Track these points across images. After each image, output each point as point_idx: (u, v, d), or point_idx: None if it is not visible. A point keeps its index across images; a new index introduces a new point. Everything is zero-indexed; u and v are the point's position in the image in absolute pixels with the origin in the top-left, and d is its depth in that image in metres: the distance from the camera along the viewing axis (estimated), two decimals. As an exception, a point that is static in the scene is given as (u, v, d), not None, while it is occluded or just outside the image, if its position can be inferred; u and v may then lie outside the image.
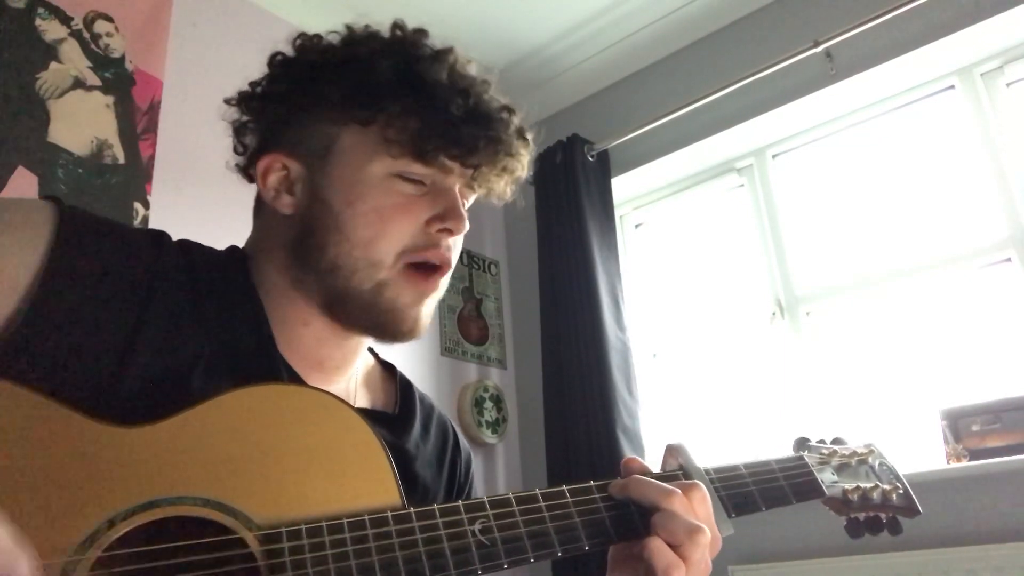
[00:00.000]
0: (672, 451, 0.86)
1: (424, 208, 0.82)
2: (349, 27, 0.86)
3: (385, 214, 0.80)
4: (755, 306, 2.79)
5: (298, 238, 0.82)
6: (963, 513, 2.06)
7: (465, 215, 0.83)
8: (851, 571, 2.13)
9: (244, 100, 0.88)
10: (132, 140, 2.18)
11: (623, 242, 3.09)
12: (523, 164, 0.88)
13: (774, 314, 2.72)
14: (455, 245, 0.85)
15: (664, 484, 0.75)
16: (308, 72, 0.84)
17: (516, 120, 0.86)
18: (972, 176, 2.44)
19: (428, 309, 0.85)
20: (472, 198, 0.89)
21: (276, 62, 0.87)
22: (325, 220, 0.80)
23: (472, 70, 0.85)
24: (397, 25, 0.86)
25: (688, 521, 0.72)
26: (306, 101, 0.83)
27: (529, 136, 0.88)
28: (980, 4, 2.32)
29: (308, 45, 0.86)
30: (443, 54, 0.83)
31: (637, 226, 3.27)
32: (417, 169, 0.81)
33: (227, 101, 0.89)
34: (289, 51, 0.87)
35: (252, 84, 0.88)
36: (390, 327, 0.82)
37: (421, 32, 0.86)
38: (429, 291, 0.83)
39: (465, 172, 0.84)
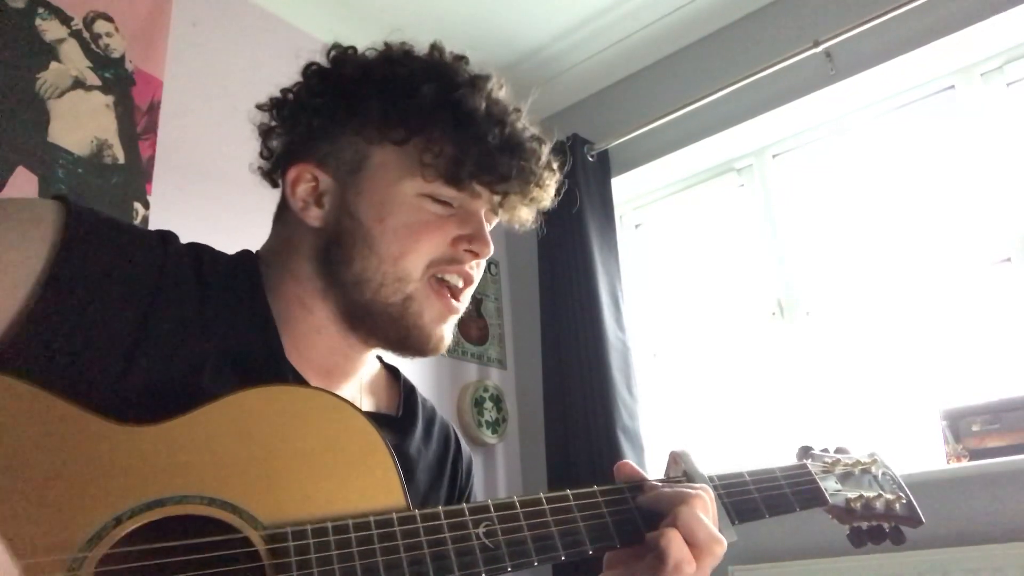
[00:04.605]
0: (676, 458, 0.87)
1: (452, 228, 0.83)
2: (387, 44, 0.87)
3: (415, 230, 0.81)
4: (755, 306, 2.79)
5: (323, 250, 0.83)
6: (963, 513, 2.06)
7: (490, 239, 0.85)
8: (851, 571, 2.14)
9: (276, 107, 0.88)
10: (132, 140, 2.18)
11: (623, 242, 3.09)
12: (550, 194, 0.90)
13: (774, 314, 2.72)
14: (479, 265, 0.87)
15: (687, 488, 0.77)
16: (346, 87, 0.84)
17: (546, 150, 0.88)
18: (972, 176, 2.45)
19: (450, 326, 0.86)
20: (494, 222, 0.91)
21: (311, 72, 0.87)
22: (354, 234, 0.81)
23: (505, 95, 0.87)
24: (435, 47, 0.87)
25: (712, 529, 0.74)
26: (343, 116, 0.84)
27: (556, 166, 0.90)
28: (980, 4, 2.32)
29: (344, 58, 0.87)
30: (481, 81, 0.85)
31: (637, 226, 3.28)
32: (447, 192, 0.83)
33: (259, 107, 0.90)
34: (323, 62, 0.87)
35: (284, 91, 0.88)
36: (413, 343, 0.84)
37: (461, 58, 0.87)
38: (452, 311, 0.85)
39: (492, 198, 0.86)
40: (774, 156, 2.91)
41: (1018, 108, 2.41)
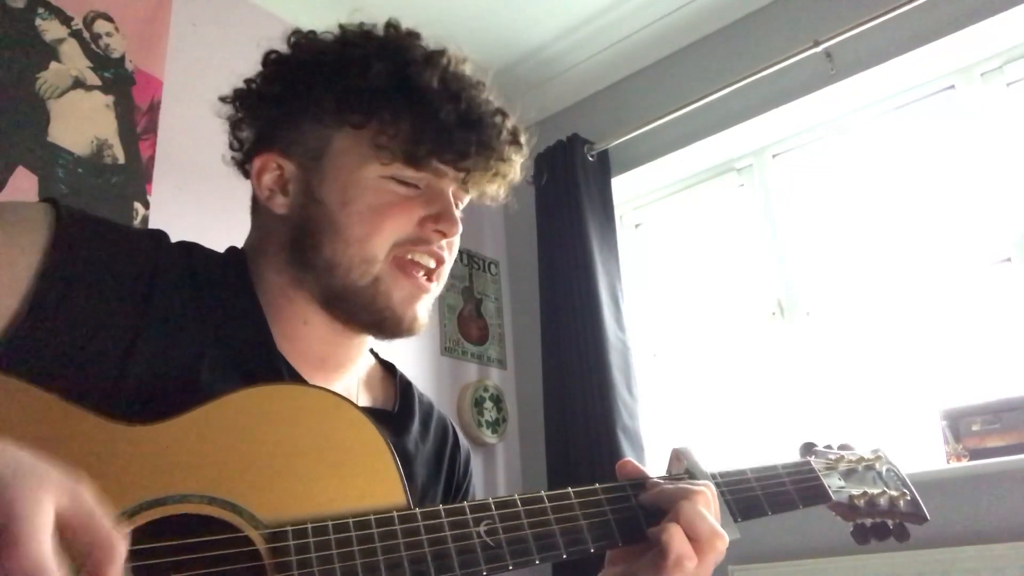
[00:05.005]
0: (678, 455, 0.86)
1: (418, 208, 0.82)
2: (342, 26, 0.86)
3: (381, 211, 0.80)
4: (755, 306, 2.79)
5: (294, 238, 0.83)
6: (963, 513, 2.06)
7: (458, 218, 0.84)
8: (851, 571, 2.14)
9: (239, 98, 0.88)
10: (132, 140, 2.18)
11: (623, 242, 3.09)
12: (515, 168, 0.88)
13: (774, 314, 2.72)
14: (452, 246, 0.86)
15: (690, 484, 0.78)
16: (302, 73, 0.84)
17: (509, 123, 0.86)
18: (972, 176, 2.45)
19: (425, 306, 0.85)
20: (466, 199, 0.90)
21: (270, 60, 0.87)
22: (320, 220, 0.81)
23: (466, 69, 0.85)
24: (391, 25, 0.86)
25: (714, 524, 0.73)
26: (301, 103, 0.83)
27: (522, 139, 0.88)
28: (980, 4, 2.32)
29: (302, 43, 0.86)
30: (435, 56, 0.83)
31: (637, 226, 3.28)
32: (410, 173, 0.82)
33: (222, 99, 0.89)
34: (284, 48, 0.87)
35: (247, 81, 0.88)
36: (388, 324, 0.83)
37: (414, 34, 0.86)
38: (421, 291, 0.83)
39: (458, 175, 0.85)
40: (774, 156, 2.91)
41: (1018, 108, 2.41)
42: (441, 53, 0.84)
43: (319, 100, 0.82)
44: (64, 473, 0.48)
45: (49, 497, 0.45)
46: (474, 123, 0.82)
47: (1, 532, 0.43)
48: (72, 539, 0.47)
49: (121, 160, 2.14)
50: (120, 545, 0.49)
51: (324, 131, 0.82)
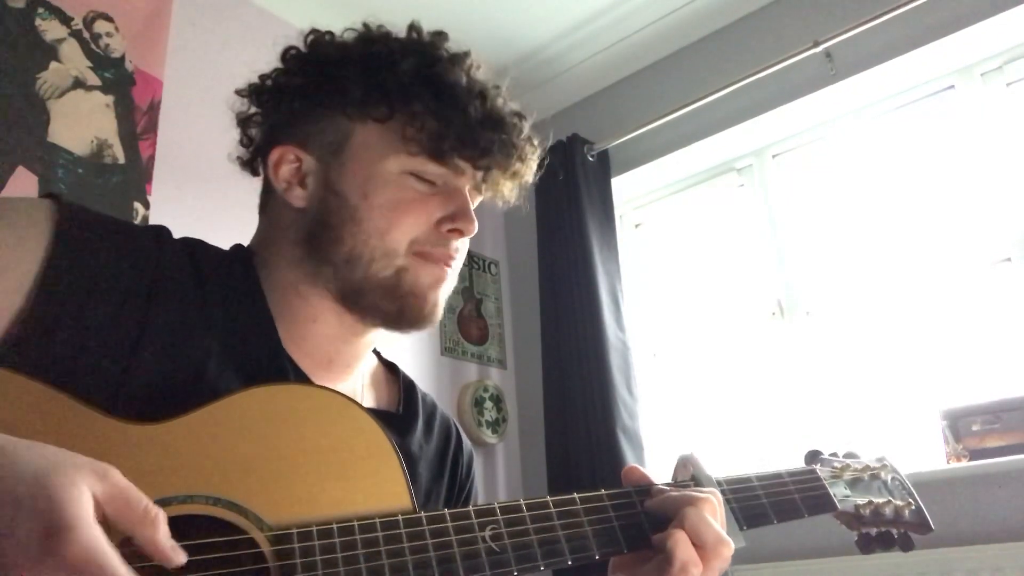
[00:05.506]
0: (684, 462, 0.86)
1: (436, 207, 0.83)
2: (366, 25, 0.87)
3: (400, 207, 0.81)
4: (755, 306, 2.79)
5: (311, 231, 0.83)
6: (963, 513, 2.07)
7: (474, 216, 0.85)
8: (851, 571, 2.14)
9: (255, 92, 0.88)
10: (132, 140, 2.18)
11: (623, 242, 3.09)
12: (531, 169, 0.90)
13: (774, 314, 2.72)
14: (463, 245, 0.87)
15: (695, 491, 0.78)
16: (326, 67, 0.84)
17: (527, 126, 0.88)
18: (972, 176, 2.45)
19: (443, 296, 0.86)
20: (478, 200, 0.90)
21: (289, 56, 0.87)
22: (341, 213, 0.81)
23: (483, 74, 0.86)
24: (414, 27, 0.87)
25: (720, 531, 0.74)
26: (323, 96, 0.83)
27: (537, 142, 0.90)
28: (980, 4, 2.32)
29: (322, 41, 0.87)
30: (460, 58, 0.85)
31: (637, 226, 3.28)
32: (431, 169, 0.83)
33: (238, 92, 0.89)
34: (301, 47, 0.87)
35: (262, 77, 0.88)
36: (409, 312, 0.83)
37: (439, 34, 0.87)
38: (443, 275, 0.84)
39: (475, 174, 0.86)
40: (774, 156, 2.91)
41: (1018, 108, 2.41)
42: (465, 55, 0.86)
43: (344, 93, 0.82)
44: (92, 461, 0.51)
45: (85, 483, 0.49)
46: (497, 122, 0.83)
47: (50, 523, 0.46)
48: (114, 518, 0.51)
49: (121, 160, 2.14)
50: (160, 515, 0.53)
51: (346, 124, 0.83)
